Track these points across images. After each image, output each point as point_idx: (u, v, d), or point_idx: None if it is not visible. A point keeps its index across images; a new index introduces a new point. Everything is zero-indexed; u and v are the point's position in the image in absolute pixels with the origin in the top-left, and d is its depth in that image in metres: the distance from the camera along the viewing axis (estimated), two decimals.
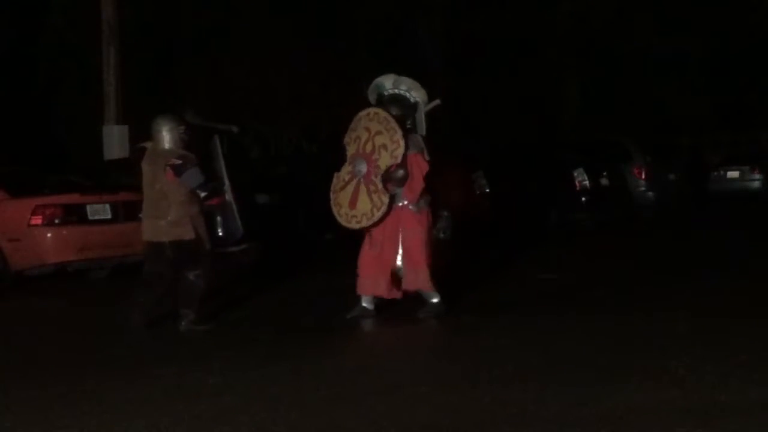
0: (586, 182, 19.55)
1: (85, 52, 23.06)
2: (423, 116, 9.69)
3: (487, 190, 17.23)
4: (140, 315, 9.37)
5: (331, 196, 9.79)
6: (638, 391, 6.38)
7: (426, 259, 9.47)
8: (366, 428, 5.89)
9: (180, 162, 9.25)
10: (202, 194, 9.52)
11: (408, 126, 9.58)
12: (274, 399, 6.60)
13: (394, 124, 9.44)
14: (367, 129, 9.57)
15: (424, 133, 9.66)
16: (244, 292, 11.94)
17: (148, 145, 9.54)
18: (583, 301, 10.24)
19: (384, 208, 9.40)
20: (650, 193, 22.65)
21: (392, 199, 9.44)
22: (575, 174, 19.45)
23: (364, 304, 9.58)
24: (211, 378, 7.28)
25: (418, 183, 9.47)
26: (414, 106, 9.69)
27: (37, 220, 12.63)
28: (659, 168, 22.98)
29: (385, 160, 9.43)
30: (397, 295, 9.60)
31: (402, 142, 9.39)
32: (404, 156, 9.40)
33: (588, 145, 22.44)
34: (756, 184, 26.77)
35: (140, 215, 9.86)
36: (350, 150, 9.70)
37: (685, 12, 32.47)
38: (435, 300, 9.54)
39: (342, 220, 9.69)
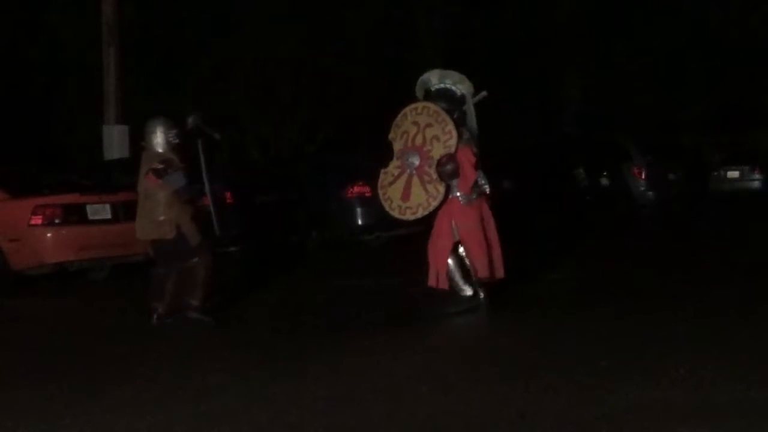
0: (586, 182, 19.57)
1: (85, 52, 23.06)
2: (472, 108, 9.95)
3: (488, 191, 17.21)
4: (161, 312, 9.60)
5: (380, 192, 10.01)
6: (638, 391, 6.38)
7: (482, 250, 9.70)
8: (366, 428, 5.89)
9: (161, 166, 9.49)
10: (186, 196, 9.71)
11: (455, 118, 9.81)
12: (274, 399, 6.60)
13: (444, 116, 9.70)
14: (416, 123, 9.80)
15: (474, 124, 9.96)
16: (244, 292, 11.94)
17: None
18: (583, 301, 10.23)
19: (440, 197, 9.67)
20: (650, 193, 22.66)
21: (448, 189, 9.70)
22: (575, 174, 19.47)
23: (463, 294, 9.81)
24: (211, 378, 7.28)
25: (471, 174, 9.74)
26: (461, 99, 9.94)
27: (37, 220, 12.63)
28: (659, 168, 22.99)
29: (438, 151, 9.67)
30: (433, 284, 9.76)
31: (455, 133, 9.66)
32: (456, 147, 9.64)
33: (588, 145, 22.47)
34: (756, 184, 26.79)
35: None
36: (397, 145, 9.93)
37: (686, 12, 32.50)
38: (480, 295, 9.78)
39: (395, 213, 9.92)
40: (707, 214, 22.12)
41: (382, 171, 10.02)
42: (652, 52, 32.57)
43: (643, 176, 22.63)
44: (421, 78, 10.07)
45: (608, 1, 32.31)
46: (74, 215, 12.91)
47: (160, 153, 9.59)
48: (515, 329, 8.99)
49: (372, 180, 14.32)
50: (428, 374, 7.20)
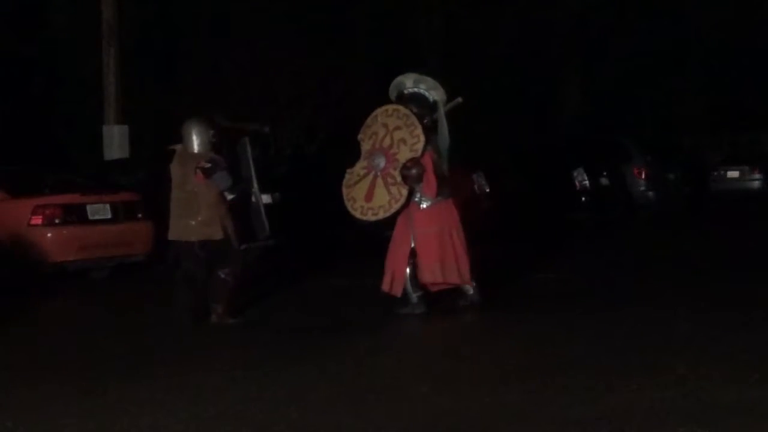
0: (586, 182, 19.56)
1: (85, 52, 23.05)
2: (443, 115, 9.87)
3: (487, 190, 17.23)
4: (184, 314, 9.55)
5: (344, 191, 9.97)
6: (638, 391, 6.39)
7: (435, 255, 9.67)
8: (366, 428, 5.89)
9: (210, 165, 9.45)
10: (230, 196, 9.70)
11: (426, 123, 9.77)
12: (274, 399, 6.60)
13: (414, 119, 9.69)
14: (385, 125, 9.82)
15: (446, 133, 9.86)
16: (243, 291, 11.94)
17: (178, 147, 9.73)
18: (583, 301, 10.23)
19: (402, 200, 9.67)
20: (650, 193, 22.63)
21: (411, 192, 9.67)
22: (575, 174, 19.46)
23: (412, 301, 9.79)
24: (211, 378, 7.28)
25: (433, 179, 9.65)
26: (433, 106, 9.88)
27: (37, 220, 12.62)
28: (659, 168, 22.97)
29: (404, 154, 9.67)
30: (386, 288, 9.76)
31: (422, 137, 9.64)
32: (423, 152, 9.62)
33: (588, 145, 22.45)
34: (756, 184, 26.79)
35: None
36: (365, 146, 9.93)
37: (686, 12, 32.50)
38: (471, 293, 9.84)
39: (357, 213, 9.89)
40: (707, 214, 22.12)
41: (348, 171, 10.03)
42: (652, 52, 32.55)
43: (643, 176, 22.60)
44: (396, 80, 10.07)
45: (608, 1, 32.29)
46: (74, 215, 12.90)
47: (202, 152, 9.53)
48: (515, 329, 8.99)
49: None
50: (428, 374, 7.20)
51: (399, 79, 10.04)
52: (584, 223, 19.06)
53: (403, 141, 9.70)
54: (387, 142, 9.78)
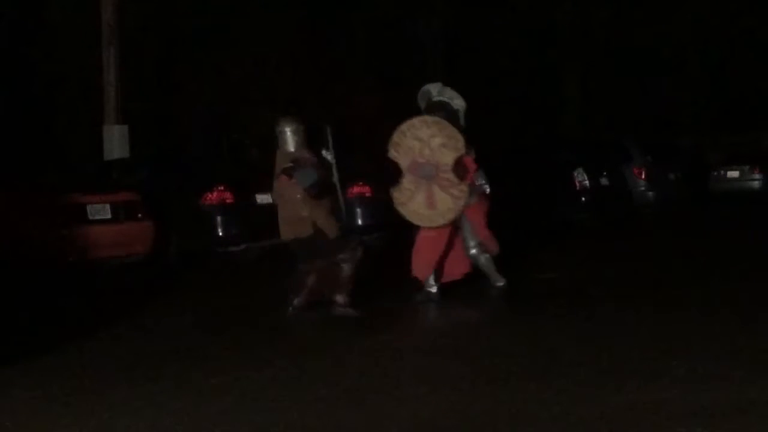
0: (586, 182, 19.56)
1: (85, 52, 23.05)
2: (463, 124, 10.56)
3: (487, 190, 17.20)
4: (296, 304, 9.78)
5: (400, 209, 10.41)
6: (638, 391, 6.39)
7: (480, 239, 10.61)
8: (366, 428, 5.89)
9: (291, 165, 9.51)
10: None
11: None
12: (274, 399, 6.60)
13: (444, 123, 10.27)
14: (419, 138, 10.27)
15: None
16: (244, 291, 11.95)
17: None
18: (583, 300, 10.24)
19: (465, 196, 10.32)
20: (650, 193, 22.65)
21: (470, 186, 10.37)
22: (575, 174, 19.45)
23: (428, 288, 10.44)
24: (211, 378, 7.28)
25: (470, 179, 10.45)
26: (455, 113, 10.53)
27: None
28: (659, 168, 22.98)
29: (449, 156, 10.22)
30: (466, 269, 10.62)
31: (460, 136, 10.25)
32: (464, 148, 10.27)
33: (588, 145, 22.45)
34: (756, 184, 26.77)
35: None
36: (404, 162, 10.35)
37: (686, 11, 32.50)
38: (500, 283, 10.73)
39: (426, 223, 10.36)
40: (707, 214, 22.12)
41: (393, 190, 10.42)
42: (652, 51, 32.56)
43: (643, 176, 22.62)
44: (424, 89, 10.64)
45: (608, 1, 32.31)
46: (74, 215, 12.90)
47: (292, 152, 9.60)
48: (514, 329, 8.99)
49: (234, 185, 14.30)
50: (428, 374, 7.20)
51: (426, 88, 10.64)
52: (584, 223, 19.06)
53: (444, 145, 10.21)
54: (426, 152, 10.24)
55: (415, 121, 10.33)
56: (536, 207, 17.97)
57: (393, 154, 10.36)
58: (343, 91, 26.12)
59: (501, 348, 8.07)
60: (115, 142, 18.35)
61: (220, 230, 14.53)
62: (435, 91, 10.58)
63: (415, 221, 10.42)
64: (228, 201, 14.59)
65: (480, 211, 10.63)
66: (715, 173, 27.17)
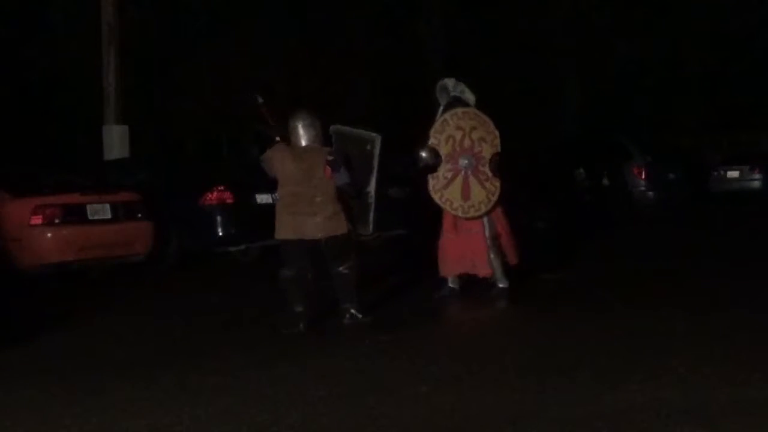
0: (586, 182, 19.56)
1: (85, 52, 23.06)
2: None
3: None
4: (302, 318, 9.15)
5: (434, 195, 10.54)
6: (638, 391, 6.39)
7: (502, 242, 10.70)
8: (366, 428, 5.89)
9: (333, 158, 9.22)
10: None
11: None
12: (274, 399, 6.60)
13: (485, 117, 10.51)
14: (460, 128, 10.48)
15: None
16: (243, 291, 11.95)
17: (279, 141, 9.31)
18: (583, 301, 10.24)
19: (498, 192, 10.48)
20: (650, 193, 22.63)
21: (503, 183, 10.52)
22: (575, 174, 19.46)
23: (450, 285, 10.61)
24: (211, 378, 7.28)
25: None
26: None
27: (37, 220, 12.62)
28: (659, 168, 22.97)
29: (488, 150, 10.46)
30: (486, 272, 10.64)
31: (497, 133, 10.47)
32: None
33: (588, 145, 22.45)
34: (756, 184, 26.76)
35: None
36: (444, 150, 10.50)
37: (686, 11, 32.50)
38: (502, 285, 10.70)
39: (459, 213, 10.51)
40: (707, 214, 22.12)
41: (431, 176, 10.54)
42: (652, 52, 32.55)
43: (643, 176, 22.60)
44: (441, 83, 10.77)
45: (609, 1, 32.30)
46: (74, 215, 12.90)
47: (320, 147, 9.25)
48: (514, 329, 8.99)
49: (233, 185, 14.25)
50: (428, 374, 7.20)
51: (444, 82, 10.76)
52: (584, 222, 19.05)
53: (483, 139, 10.45)
54: (467, 143, 10.46)
55: (459, 111, 10.51)
56: (536, 207, 17.96)
57: (433, 141, 10.49)
58: (342, 91, 26.11)
59: (501, 348, 8.07)
60: (115, 142, 18.35)
61: (220, 230, 14.51)
62: (451, 84, 10.72)
63: (448, 208, 10.52)
64: (228, 201, 14.58)
65: (504, 216, 10.76)
66: (715, 173, 27.17)
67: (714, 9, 32.31)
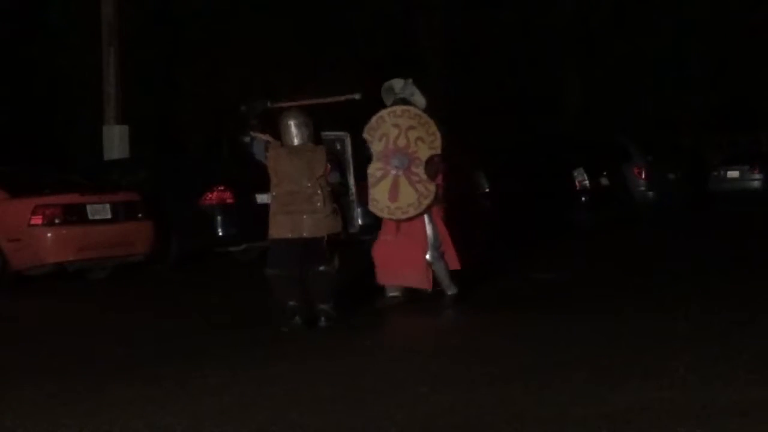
0: (586, 182, 19.55)
1: (85, 52, 23.05)
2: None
3: (487, 190, 17.23)
4: (300, 314, 9.16)
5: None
6: (638, 391, 6.39)
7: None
8: (366, 428, 5.89)
9: (331, 156, 9.31)
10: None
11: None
12: (274, 399, 6.60)
13: (426, 118, 10.06)
14: (397, 126, 10.06)
15: None
16: (243, 291, 11.95)
17: (269, 139, 9.31)
18: (582, 300, 10.24)
19: (431, 196, 9.98)
20: (650, 193, 22.62)
21: (437, 187, 10.02)
22: (575, 174, 19.45)
23: (390, 294, 10.20)
24: (211, 378, 7.28)
25: (439, 179, 10.13)
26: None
27: (37, 220, 12.62)
28: (659, 168, 22.96)
29: (424, 152, 9.99)
30: (426, 286, 10.16)
31: (438, 134, 10.00)
32: (441, 148, 10.04)
33: (588, 145, 22.44)
34: (756, 184, 26.79)
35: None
36: (376, 147, 10.11)
37: (686, 11, 32.50)
38: (450, 292, 10.25)
39: (384, 214, 10.10)
40: (707, 214, 22.12)
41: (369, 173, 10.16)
42: (652, 51, 32.55)
43: (643, 176, 22.59)
44: (386, 84, 10.35)
45: (609, 1, 32.30)
46: (74, 215, 12.90)
47: (315, 146, 9.27)
48: (514, 329, 8.99)
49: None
50: (428, 374, 7.20)
51: (390, 83, 10.32)
52: (584, 223, 19.05)
53: (421, 139, 10.01)
54: (402, 141, 10.04)
55: (397, 108, 10.11)
56: (535, 207, 17.95)
57: (367, 137, 10.11)
58: (342, 92, 26.11)
59: (501, 348, 8.07)
60: (115, 142, 18.35)
61: (220, 230, 14.52)
62: (398, 86, 10.29)
63: (373, 209, 10.12)
64: (228, 201, 14.59)
65: (442, 221, 10.22)
66: (715, 173, 27.18)
67: (714, 9, 32.30)
